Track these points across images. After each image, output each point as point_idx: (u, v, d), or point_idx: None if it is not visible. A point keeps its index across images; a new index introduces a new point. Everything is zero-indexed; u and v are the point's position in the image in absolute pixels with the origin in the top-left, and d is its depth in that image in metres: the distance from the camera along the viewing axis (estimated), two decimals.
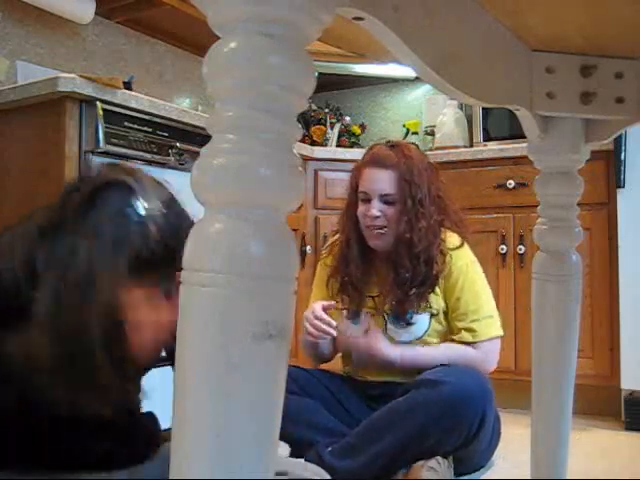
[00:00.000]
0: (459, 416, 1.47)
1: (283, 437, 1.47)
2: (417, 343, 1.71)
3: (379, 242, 1.72)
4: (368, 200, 1.71)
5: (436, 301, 1.71)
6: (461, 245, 1.74)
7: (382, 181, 1.69)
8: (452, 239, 1.74)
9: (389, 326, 1.72)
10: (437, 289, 1.71)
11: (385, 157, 1.70)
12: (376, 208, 1.69)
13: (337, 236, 1.85)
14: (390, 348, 1.67)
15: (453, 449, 1.51)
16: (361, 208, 1.73)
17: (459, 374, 1.54)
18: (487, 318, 1.70)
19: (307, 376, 1.74)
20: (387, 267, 1.73)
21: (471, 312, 1.69)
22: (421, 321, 1.71)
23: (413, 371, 1.63)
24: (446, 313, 1.72)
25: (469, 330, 1.69)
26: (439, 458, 1.48)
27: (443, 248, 1.70)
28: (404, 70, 2.99)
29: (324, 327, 1.64)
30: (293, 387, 1.62)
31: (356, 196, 1.75)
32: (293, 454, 1.57)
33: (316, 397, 1.67)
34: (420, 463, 1.46)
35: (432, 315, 1.71)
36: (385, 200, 1.70)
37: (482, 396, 1.51)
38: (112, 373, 0.83)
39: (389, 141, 1.79)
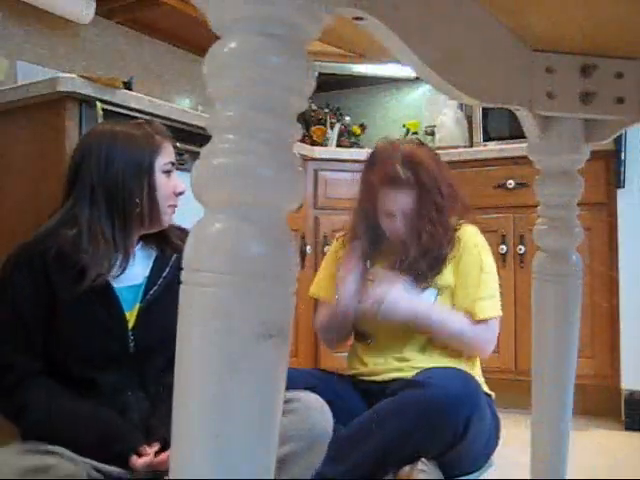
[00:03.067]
0: (442, 418, 1.45)
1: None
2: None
3: (398, 236, 1.79)
4: (391, 214, 1.78)
5: (444, 278, 1.75)
6: (473, 227, 1.82)
7: (401, 201, 1.75)
8: (465, 224, 1.82)
9: None
10: (447, 266, 1.76)
11: (398, 177, 1.73)
12: (401, 223, 1.76)
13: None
14: (410, 301, 1.71)
15: (438, 453, 1.49)
16: (386, 221, 1.79)
17: (447, 377, 1.54)
18: (490, 298, 1.75)
19: (309, 377, 1.74)
20: (396, 245, 1.80)
21: (475, 290, 1.74)
22: (427, 297, 1.74)
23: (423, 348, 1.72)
24: (453, 290, 1.77)
25: (471, 309, 1.73)
26: (424, 459, 1.47)
27: (452, 230, 1.76)
28: (404, 70, 3.00)
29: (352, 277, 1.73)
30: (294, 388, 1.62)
31: (371, 198, 1.80)
32: None
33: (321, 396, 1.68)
34: (407, 468, 1.46)
35: (438, 292, 1.75)
36: (406, 213, 1.77)
37: (468, 399, 1.49)
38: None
39: (394, 142, 1.80)
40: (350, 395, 1.74)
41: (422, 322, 1.69)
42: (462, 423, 1.47)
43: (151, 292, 1.33)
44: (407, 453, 1.48)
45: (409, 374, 1.65)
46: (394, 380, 1.70)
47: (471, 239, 1.79)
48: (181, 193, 1.37)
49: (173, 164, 1.38)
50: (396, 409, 1.50)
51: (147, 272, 1.35)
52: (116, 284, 1.29)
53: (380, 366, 1.74)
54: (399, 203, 1.75)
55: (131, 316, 1.30)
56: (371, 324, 1.78)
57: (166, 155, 1.36)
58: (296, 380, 1.67)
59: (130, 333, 1.28)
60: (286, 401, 1.28)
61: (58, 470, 1.05)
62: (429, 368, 1.63)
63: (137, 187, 1.30)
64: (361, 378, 1.79)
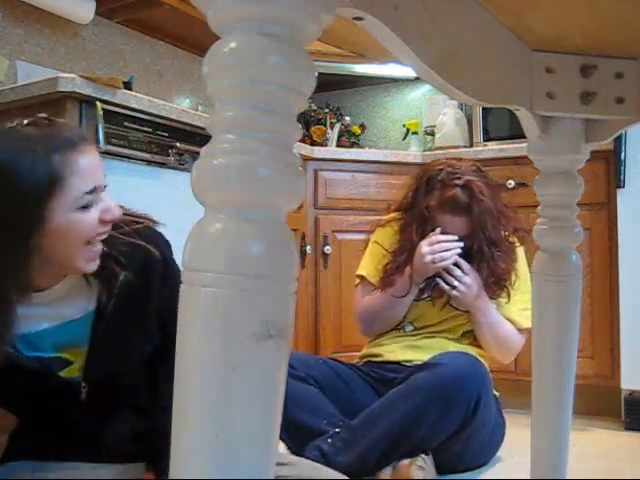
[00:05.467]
0: (454, 396, 1.51)
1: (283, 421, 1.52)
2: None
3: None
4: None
5: None
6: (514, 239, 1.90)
7: (460, 227, 1.80)
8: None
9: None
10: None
11: (461, 204, 1.78)
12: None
13: (393, 215, 1.97)
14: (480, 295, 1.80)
15: (450, 434, 1.53)
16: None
17: (455, 357, 1.61)
18: (528, 310, 1.81)
19: (320, 364, 1.80)
20: None
21: (521, 300, 1.83)
22: None
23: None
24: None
25: (517, 318, 1.82)
26: (424, 456, 1.49)
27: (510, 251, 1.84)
28: (404, 70, 2.99)
29: (450, 245, 1.77)
30: (302, 374, 1.66)
31: (425, 211, 1.84)
32: (292, 441, 1.59)
33: (326, 385, 1.72)
34: (407, 462, 1.47)
35: None
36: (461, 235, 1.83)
37: (476, 377, 1.57)
38: None
39: (456, 174, 1.79)
40: (359, 385, 1.77)
41: (480, 318, 1.80)
42: (473, 400, 1.52)
43: (99, 326, 1.09)
44: (419, 437, 1.51)
45: (426, 357, 1.70)
46: (410, 361, 1.76)
47: (518, 252, 1.87)
48: (112, 220, 1.03)
49: (92, 191, 0.98)
50: (407, 393, 1.55)
51: (92, 303, 1.10)
52: (38, 325, 1.05)
53: (401, 349, 1.81)
54: (454, 229, 1.80)
55: (75, 357, 1.10)
56: (419, 311, 1.86)
57: (77, 185, 0.96)
58: (312, 367, 1.74)
59: (77, 379, 1.09)
60: None
61: None
62: (440, 353, 1.69)
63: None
64: (375, 360, 1.85)
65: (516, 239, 1.87)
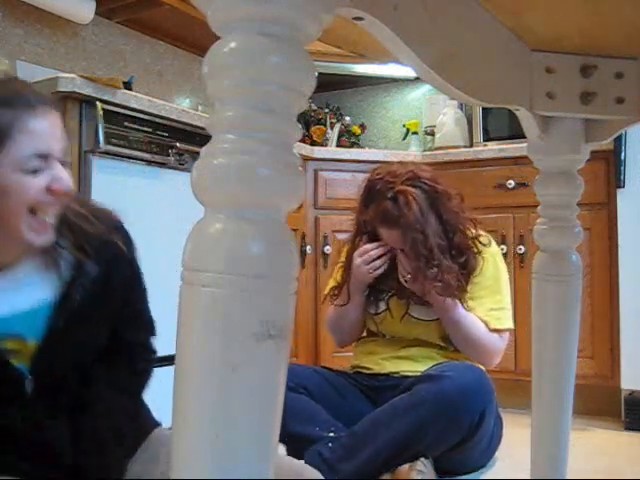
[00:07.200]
0: (459, 411, 1.49)
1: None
2: (437, 323, 1.78)
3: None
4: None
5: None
6: (488, 237, 1.84)
7: (395, 240, 1.75)
8: (480, 235, 1.82)
9: (412, 305, 1.79)
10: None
11: (391, 218, 1.72)
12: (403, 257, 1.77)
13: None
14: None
15: (452, 445, 1.52)
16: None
17: (461, 370, 1.58)
18: (504, 309, 1.78)
19: (309, 373, 1.77)
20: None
21: (491, 301, 1.77)
22: None
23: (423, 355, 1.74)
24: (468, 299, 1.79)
25: (486, 318, 1.76)
26: (424, 459, 1.49)
27: (472, 244, 1.77)
28: (404, 70, 2.99)
29: (378, 251, 1.75)
30: (291, 384, 1.64)
31: (364, 225, 1.82)
32: (290, 450, 1.57)
33: (317, 393, 1.70)
34: (407, 466, 1.47)
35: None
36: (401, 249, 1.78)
37: (482, 392, 1.54)
38: None
39: (392, 184, 1.73)
40: (351, 392, 1.76)
41: (448, 314, 1.72)
42: (478, 415, 1.50)
43: (58, 320, 0.99)
44: (422, 448, 1.50)
45: (416, 367, 1.68)
46: (398, 372, 1.73)
47: (487, 250, 1.81)
48: (60, 191, 0.95)
49: (44, 156, 0.94)
50: (412, 403, 1.53)
51: (47, 293, 1.00)
52: None
53: (387, 361, 1.78)
54: (392, 242, 1.75)
55: (18, 347, 0.98)
56: (390, 325, 1.82)
57: (25, 145, 0.92)
58: (301, 376, 1.70)
59: (25, 374, 0.98)
60: None
61: None
62: (441, 362, 1.67)
63: None
64: (365, 372, 1.82)
65: (480, 243, 1.80)
